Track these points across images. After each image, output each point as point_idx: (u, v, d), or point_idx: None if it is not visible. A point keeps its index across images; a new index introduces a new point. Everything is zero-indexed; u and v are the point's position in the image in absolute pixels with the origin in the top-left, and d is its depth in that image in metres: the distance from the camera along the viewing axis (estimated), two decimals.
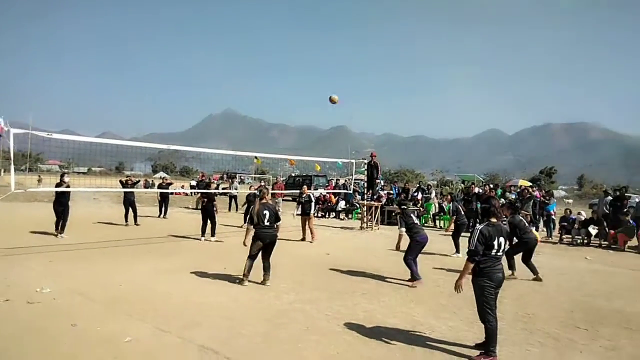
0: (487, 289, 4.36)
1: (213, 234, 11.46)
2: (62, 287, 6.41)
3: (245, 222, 14.75)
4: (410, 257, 7.52)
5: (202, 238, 11.34)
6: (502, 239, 4.42)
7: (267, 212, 6.97)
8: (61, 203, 11.01)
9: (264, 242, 6.97)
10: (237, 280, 7.10)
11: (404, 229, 7.59)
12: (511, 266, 8.26)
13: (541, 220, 15.34)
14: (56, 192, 10.98)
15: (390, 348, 4.59)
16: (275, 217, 7.12)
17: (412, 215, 7.78)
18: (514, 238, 7.84)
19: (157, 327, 4.95)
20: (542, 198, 15.60)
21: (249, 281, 7.03)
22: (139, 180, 20.06)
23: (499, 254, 4.40)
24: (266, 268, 7.14)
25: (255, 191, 14.90)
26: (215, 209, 11.58)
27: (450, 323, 5.51)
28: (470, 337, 4.96)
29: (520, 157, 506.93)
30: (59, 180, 11.02)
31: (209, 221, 11.47)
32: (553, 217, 14.88)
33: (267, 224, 6.95)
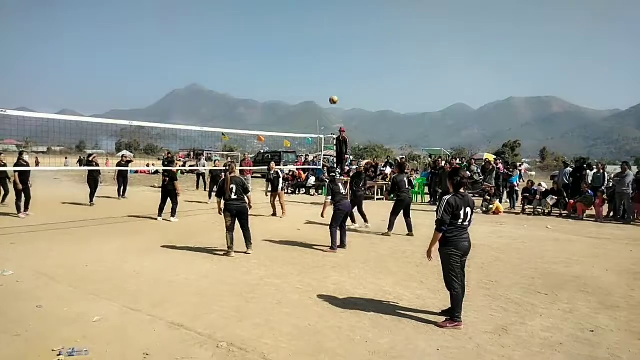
0: (453, 257, 4.49)
1: (173, 214, 10.92)
2: (25, 269, 6.23)
3: (210, 199, 14.83)
4: (334, 225, 7.98)
5: (159, 218, 10.92)
6: (468, 209, 4.54)
7: (233, 186, 7.30)
8: (23, 182, 10.85)
9: (232, 214, 7.31)
10: (224, 253, 7.38)
11: (330, 198, 8.08)
12: (392, 226, 9.42)
13: (504, 192, 15.82)
14: (16, 171, 10.67)
15: (360, 317, 4.69)
16: (243, 189, 7.42)
17: (339, 184, 8.22)
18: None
19: (125, 305, 4.90)
20: (505, 170, 16.07)
21: (235, 252, 7.38)
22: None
23: (464, 223, 4.52)
24: (246, 238, 7.54)
25: (221, 167, 14.88)
26: (176, 189, 11.01)
27: (417, 292, 5.66)
28: (436, 304, 5.12)
29: (485, 131, 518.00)
30: (16, 160, 10.80)
31: (169, 200, 10.98)
32: (516, 188, 15.36)
33: (234, 197, 7.30)
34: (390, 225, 9.52)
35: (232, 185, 7.30)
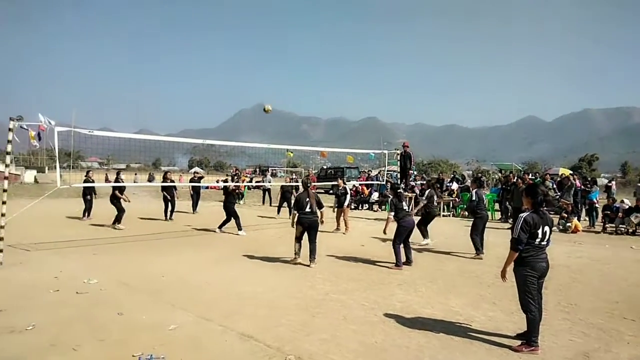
0: (530, 279, 4.26)
1: (239, 228, 11.27)
2: (107, 278, 6.68)
3: (278, 213, 15.30)
4: (397, 242, 7.85)
5: (218, 230, 11.46)
6: (547, 228, 4.30)
7: (308, 200, 7.77)
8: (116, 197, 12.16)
9: (303, 226, 7.75)
10: (290, 260, 7.87)
11: (392, 213, 8.03)
12: (480, 246, 8.84)
13: (583, 210, 14.85)
14: (113, 188, 12.16)
15: (428, 338, 4.57)
16: (318, 205, 7.93)
17: (402, 200, 8.10)
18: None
19: (199, 315, 5.11)
20: (582, 187, 15.11)
21: (300, 263, 7.84)
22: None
23: (542, 243, 4.28)
24: (311, 251, 7.82)
25: (290, 183, 15.47)
26: (234, 201, 11.65)
27: (490, 313, 5.43)
28: (510, 327, 4.88)
29: (559, 145, 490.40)
30: (115, 178, 12.61)
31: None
32: (596, 205, 14.37)
33: (307, 210, 7.74)
34: (477, 245, 8.85)
35: (307, 199, 7.79)
